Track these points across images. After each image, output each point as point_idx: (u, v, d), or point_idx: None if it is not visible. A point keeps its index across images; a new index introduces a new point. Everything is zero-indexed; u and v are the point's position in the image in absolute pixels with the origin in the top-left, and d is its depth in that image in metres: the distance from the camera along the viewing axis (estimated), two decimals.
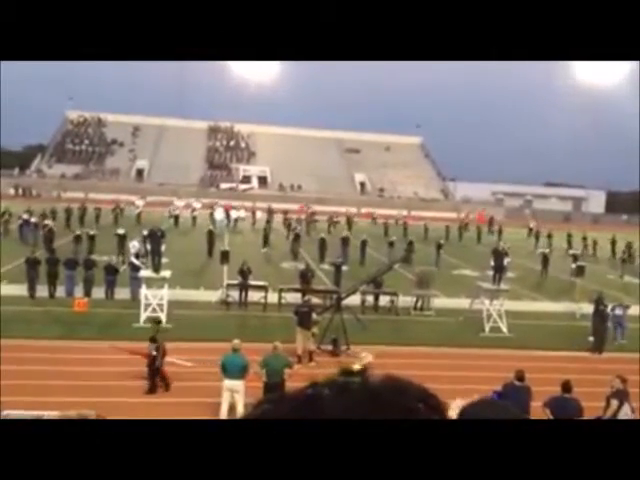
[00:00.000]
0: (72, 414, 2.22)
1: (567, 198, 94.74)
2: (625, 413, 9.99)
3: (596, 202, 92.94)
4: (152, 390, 12.62)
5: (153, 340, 12.78)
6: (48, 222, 31.21)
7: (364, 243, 31.72)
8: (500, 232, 44.82)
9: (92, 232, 29.20)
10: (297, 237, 33.31)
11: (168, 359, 13.25)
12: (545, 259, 31.85)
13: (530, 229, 49.38)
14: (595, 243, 41.71)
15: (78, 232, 29.47)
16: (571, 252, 34.78)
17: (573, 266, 30.53)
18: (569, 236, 42.83)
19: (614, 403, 10.08)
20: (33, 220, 33.22)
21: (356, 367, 0.64)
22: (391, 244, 32.85)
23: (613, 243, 40.75)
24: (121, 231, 28.13)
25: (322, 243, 31.19)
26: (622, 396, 10.18)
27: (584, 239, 42.32)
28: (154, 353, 12.61)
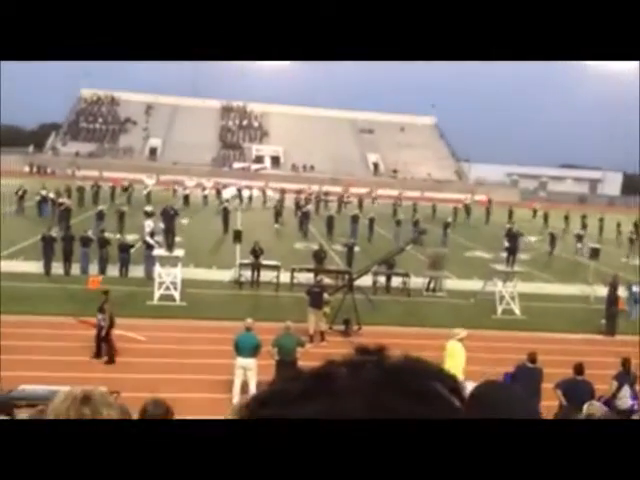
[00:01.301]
0: (87, 388, 2.25)
1: (583, 180, 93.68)
2: (624, 395, 10.05)
3: (612, 184, 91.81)
4: (97, 355, 13.12)
5: (101, 310, 13.23)
6: (64, 200, 31.57)
7: (372, 221, 32.78)
8: (511, 214, 44.40)
9: (123, 208, 29.84)
10: (305, 215, 34.06)
11: (117, 332, 13.61)
12: (553, 239, 32.20)
13: (535, 211, 48.82)
14: (599, 225, 41.65)
15: (101, 207, 29.96)
16: (575, 232, 35.38)
17: (579, 245, 32.38)
18: (583, 217, 42.46)
19: (614, 384, 10.18)
20: (52, 196, 33.61)
21: (374, 346, 0.63)
22: (398, 223, 33.40)
23: (618, 225, 40.75)
24: (149, 208, 28.63)
25: (330, 221, 32.38)
26: (623, 378, 10.24)
27: (600, 220, 42.07)
28: (102, 323, 13.13)
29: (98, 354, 13.17)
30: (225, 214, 32.26)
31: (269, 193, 48.26)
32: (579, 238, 33.42)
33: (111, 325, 13.26)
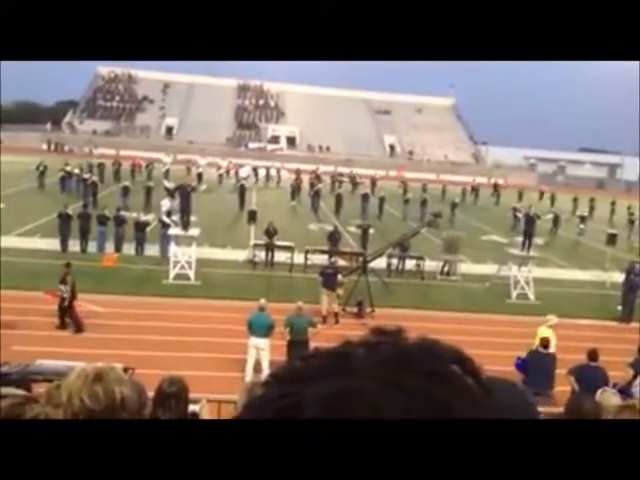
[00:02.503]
0: (99, 366, 2.28)
1: (602, 164, 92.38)
2: (638, 384, 9.99)
3: (632, 169, 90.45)
4: (61, 327, 13.54)
5: (64, 282, 13.64)
6: (90, 175, 32.24)
7: (382, 200, 33.72)
8: (521, 196, 43.90)
9: (151, 184, 30.40)
10: (317, 193, 35.29)
11: (79, 303, 13.97)
12: (556, 220, 32.90)
13: (542, 193, 48.12)
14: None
15: (127, 183, 30.33)
16: (578, 214, 36.19)
17: (582, 226, 33.61)
18: (591, 200, 42.43)
19: (629, 372, 10.13)
20: (76, 172, 33.99)
21: (391, 328, 0.63)
22: (406, 202, 34.17)
23: (629, 209, 40.18)
24: (170, 185, 28.96)
25: (338, 198, 33.73)
26: (639, 367, 10.17)
27: (612, 204, 41.76)
28: (65, 295, 13.55)
29: (62, 325, 13.59)
30: (242, 191, 32.97)
31: (284, 173, 48.43)
32: (582, 219, 34.33)
33: (73, 296, 13.69)
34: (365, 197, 33.83)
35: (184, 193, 19.54)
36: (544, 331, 11.83)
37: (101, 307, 14.92)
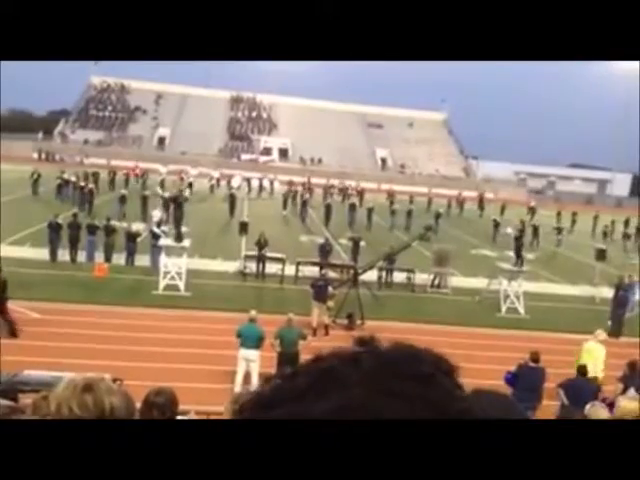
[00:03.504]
0: (89, 376, 2.27)
1: (592, 180, 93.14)
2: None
3: (621, 185, 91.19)
4: None
5: None
6: (85, 183, 32.66)
7: (370, 210, 34.77)
8: (503, 209, 44.25)
9: (147, 193, 31.01)
10: (304, 204, 36.64)
11: (15, 308, 13.69)
12: (535, 231, 34.09)
13: (530, 208, 48.36)
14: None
15: (124, 192, 30.47)
16: (555, 225, 37.70)
17: (559, 237, 35.36)
18: (574, 214, 43.18)
19: (619, 386, 10.20)
20: (73, 180, 34.20)
21: (366, 337, 0.64)
22: (393, 212, 35.23)
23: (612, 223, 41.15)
24: (165, 194, 29.89)
25: (328, 209, 34.63)
26: (629, 381, 10.22)
27: (612, 223, 42.07)
28: None
29: None
30: (232, 200, 33.56)
31: (276, 185, 48.74)
32: (559, 231, 36.09)
33: (4, 300, 13.33)
34: (352, 207, 35.34)
35: (178, 204, 19.50)
36: (592, 346, 12.02)
37: (46, 314, 14.61)
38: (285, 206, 37.84)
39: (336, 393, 0.55)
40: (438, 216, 35.42)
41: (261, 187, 48.00)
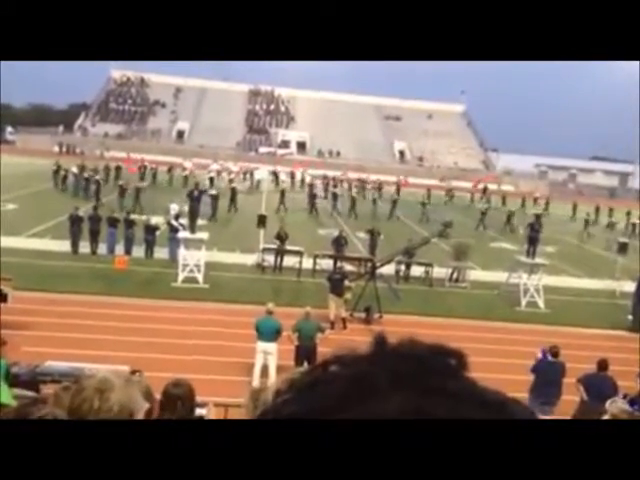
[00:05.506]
0: (106, 368, 2.30)
1: (613, 173, 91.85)
2: None
3: None
4: None
5: None
6: (97, 177, 33.11)
7: (394, 202, 36.71)
8: (504, 200, 44.76)
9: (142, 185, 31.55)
10: (314, 196, 37.47)
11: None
12: (537, 218, 33.38)
13: (535, 199, 47.82)
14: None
15: (144, 184, 31.07)
16: (576, 217, 39.73)
17: (587, 231, 35.97)
18: (597, 209, 43.57)
19: (639, 382, 10.02)
20: (86, 175, 34.72)
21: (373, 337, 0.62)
22: (394, 202, 36.73)
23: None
24: (214, 192, 30.32)
25: (353, 202, 36.43)
26: None
27: (628, 214, 41.79)
28: None
29: None
30: (233, 193, 33.76)
31: (304, 176, 49.37)
32: (586, 223, 36.98)
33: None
34: (374, 201, 37.19)
35: (193, 197, 19.63)
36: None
37: (67, 306, 14.65)
38: (313, 203, 37.14)
39: (374, 402, 0.52)
40: (423, 205, 36.43)
41: (293, 179, 49.14)
